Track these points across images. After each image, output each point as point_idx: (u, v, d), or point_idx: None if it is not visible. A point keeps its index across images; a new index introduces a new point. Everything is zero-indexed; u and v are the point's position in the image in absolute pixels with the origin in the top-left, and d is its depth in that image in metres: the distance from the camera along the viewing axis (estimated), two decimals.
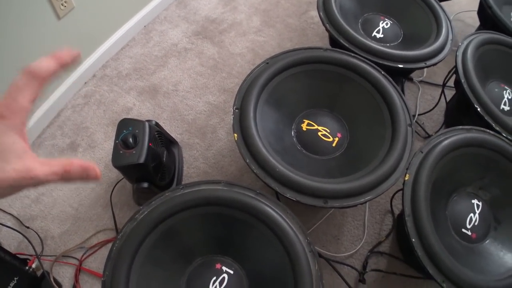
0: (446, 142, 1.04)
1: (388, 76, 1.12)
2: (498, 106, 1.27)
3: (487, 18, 1.48)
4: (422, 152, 1.03)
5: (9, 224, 1.19)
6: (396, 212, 1.26)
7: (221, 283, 0.91)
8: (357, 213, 1.26)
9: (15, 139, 0.35)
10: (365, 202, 0.96)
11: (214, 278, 0.92)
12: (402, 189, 0.98)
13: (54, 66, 0.38)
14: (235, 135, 1.00)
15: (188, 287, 0.92)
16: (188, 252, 0.94)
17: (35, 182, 0.34)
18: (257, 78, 1.08)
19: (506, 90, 1.32)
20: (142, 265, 0.86)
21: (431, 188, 1.00)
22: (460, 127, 1.11)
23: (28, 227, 1.19)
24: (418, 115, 1.46)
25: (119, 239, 0.87)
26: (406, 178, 0.99)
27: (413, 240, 0.92)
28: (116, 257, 0.85)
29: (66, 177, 0.35)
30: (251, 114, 1.02)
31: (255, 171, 0.96)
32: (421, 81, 1.56)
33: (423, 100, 1.51)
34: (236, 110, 1.04)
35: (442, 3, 1.60)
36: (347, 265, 1.16)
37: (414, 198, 0.96)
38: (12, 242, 1.17)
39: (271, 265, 0.90)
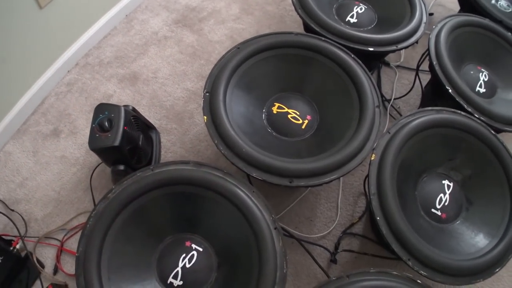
0: (414, 123, 1.07)
1: (357, 59, 1.14)
2: (474, 88, 1.29)
3: (466, 2, 1.50)
4: (389, 133, 1.06)
5: None
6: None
7: (190, 260, 0.95)
8: (330, 195, 1.29)
9: None
10: (330, 181, 0.98)
11: (184, 255, 0.95)
12: (369, 168, 1.00)
13: None
14: (205, 117, 1.03)
15: (159, 263, 0.95)
16: (159, 230, 0.97)
17: None
18: (228, 62, 1.11)
19: (482, 72, 1.33)
20: (114, 241, 0.89)
21: (398, 168, 1.03)
22: (430, 108, 1.13)
23: (13, 210, 1.23)
24: (394, 99, 1.48)
25: (92, 217, 0.91)
26: (372, 158, 1.01)
27: (378, 218, 0.95)
28: (89, 234, 0.88)
29: None
30: (221, 97, 1.04)
31: (223, 151, 0.99)
32: (398, 66, 1.58)
33: (400, 85, 1.54)
34: (207, 94, 1.07)
35: None
36: (319, 245, 1.19)
37: (379, 177, 0.98)
38: None
39: (238, 242, 0.93)
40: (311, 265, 1.17)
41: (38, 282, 1.13)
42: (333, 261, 1.17)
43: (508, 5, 1.55)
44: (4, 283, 1.10)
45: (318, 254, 1.19)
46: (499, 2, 1.54)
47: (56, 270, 1.15)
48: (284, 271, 0.86)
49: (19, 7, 1.22)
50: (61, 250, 1.18)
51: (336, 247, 1.19)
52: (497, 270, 0.95)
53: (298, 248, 1.19)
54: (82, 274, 0.84)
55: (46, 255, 1.18)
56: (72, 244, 1.19)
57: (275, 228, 0.91)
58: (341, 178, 1.31)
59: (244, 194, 0.92)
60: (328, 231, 1.23)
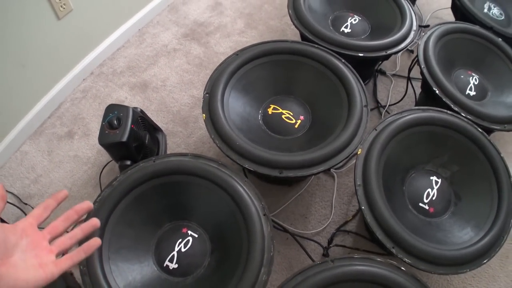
0: (400, 120, 1.13)
1: (347, 64, 1.22)
2: (464, 91, 1.34)
3: (459, 11, 1.57)
4: (376, 130, 1.12)
5: (9, 201, 1.32)
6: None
7: (185, 245, 1.01)
8: (325, 195, 1.34)
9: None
10: (318, 173, 1.05)
11: (180, 240, 1.02)
12: (355, 162, 1.06)
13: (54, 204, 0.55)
14: (204, 115, 1.12)
15: (156, 247, 1.02)
16: (157, 216, 1.04)
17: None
18: (227, 67, 1.20)
19: (472, 76, 1.39)
20: (115, 225, 0.97)
21: (384, 163, 1.09)
22: (417, 107, 1.19)
23: (26, 204, 1.32)
24: (389, 105, 1.54)
25: (97, 202, 0.99)
26: (358, 152, 1.07)
27: (363, 207, 1.00)
28: (93, 216, 0.96)
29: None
30: (219, 97, 1.13)
31: (218, 145, 1.07)
32: (394, 75, 1.65)
33: (396, 92, 1.60)
34: (207, 95, 1.16)
35: (422, 1, 1.71)
36: (313, 240, 1.24)
37: (365, 170, 1.04)
38: (11, 217, 1.29)
39: (231, 229, 0.99)
40: (305, 260, 1.22)
41: None
42: (326, 255, 1.21)
43: (500, 13, 1.63)
44: None
45: (312, 250, 1.24)
46: (491, 11, 1.61)
47: None
48: (271, 254, 0.92)
49: (38, 18, 1.34)
50: None
51: (329, 242, 1.24)
52: (485, 261, 0.97)
53: (292, 244, 1.24)
54: None
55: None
56: None
57: (264, 215, 0.97)
58: (335, 178, 1.37)
59: (236, 182, 0.99)
60: (322, 228, 1.28)
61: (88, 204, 0.57)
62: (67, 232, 0.54)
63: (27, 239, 0.50)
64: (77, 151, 1.44)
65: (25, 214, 1.27)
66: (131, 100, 1.55)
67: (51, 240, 0.52)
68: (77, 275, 1.19)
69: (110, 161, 1.38)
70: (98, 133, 1.45)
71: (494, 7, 1.66)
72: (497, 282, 1.24)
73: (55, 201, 0.56)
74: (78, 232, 0.54)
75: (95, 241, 0.54)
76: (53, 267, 0.49)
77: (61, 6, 1.39)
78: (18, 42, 1.30)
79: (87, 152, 1.44)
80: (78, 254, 0.52)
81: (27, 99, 1.45)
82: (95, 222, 0.56)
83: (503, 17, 1.63)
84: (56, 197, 0.56)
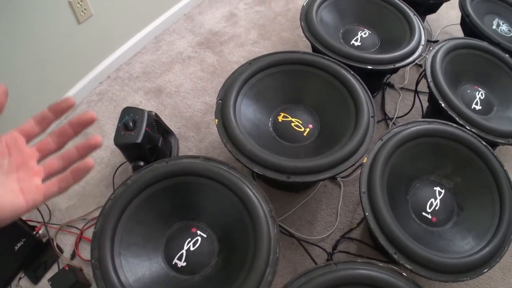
0: (406, 131, 1.16)
1: (356, 75, 1.26)
2: (470, 105, 1.38)
3: (468, 28, 1.61)
4: (382, 140, 1.15)
5: None
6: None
7: (194, 244, 1.05)
8: (331, 202, 1.37)
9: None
10: (324, 179, 1.09)
11: (189, 239, 1.05)
12: (361, 170, 1.10)
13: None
14: (216, 120, 1.16)
15: (166, 246, 1.06)
16: (168, 216, 1.08)
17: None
18: (239, 75, 1.25)
19: (479, 91, 1.43)
20: (127, 222, 1.01)
21: (389, 172, 1.12)
22: (423, 119, 1.23)
23: None
24: (397, 117, 1.58)
25: (111, 200, 1.03)
26: (364, 161, 1.11)
27: (367, 213, 1.03)
28: (106, 213, 1.00)
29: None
30: (231, 104, 1.18)
31: (229, 149, 1.11)
32: (402, 88, 1.69)
33: (403, 105, 1.64)
34: (219, 101, 1.20)
35: (432, 16, 1.75)
36: (318, 246, 1.27)
37: (370, 178, 1.08)
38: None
39: (238, 230, 1.03)
40: (310, 264, 1.24)
41: (55, 266, 1.24)
42: (330, 260, 1.24)
43: (509, 30, 1.67)
44: (24, 263, 1.23)
45: (317, 255, 1.26)
46: (500, 27, 1.65)
47: (73, 256, 1.27)
48: (277, 255, 0.95)
49: (59, 21, 1.39)
50: (80, 238, 1.30)
51: (334, 249, 1.27)
52: (485, 270, 0.99)
53: (297, 249, 1.27)
54: (97, 248, 0.95)
55: (65, 242, 1.30)
56: (90, 233, 1.30)
57: (271, 217, 1.00)
58: (341, 187, 1.40)
59: (245, 185, 1.03)
60: (327, 234, 1.31)
61: (89, 115, 0.44)
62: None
63: (10, 158, 0.41)
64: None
65: (38, 210, 1.31)
66: (146, 104, 1.60)
67: (40, 160, 0.43)
68: (86, 271, 1.24)
69: (124, 162, 1.42)
70: (112, 134, 1.50)
71: (503, 23, 1.70)
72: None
73: (55, 111, 0.43)
74: (73, 151, 0.44)
75: (87, 163, 0.43)
76: (36, 193, 0.41)
77: (82, 11, 1.45)
78: (40, 44, 1.36)
79: (101, 152, 1.49)
80: (66, 179, 0.43)
81: (44, 99, 1.50)
82: (96, 139, 0.44)
83: (511, 34, 1.67)
84: (57, 105, 0.43)
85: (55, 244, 1.27)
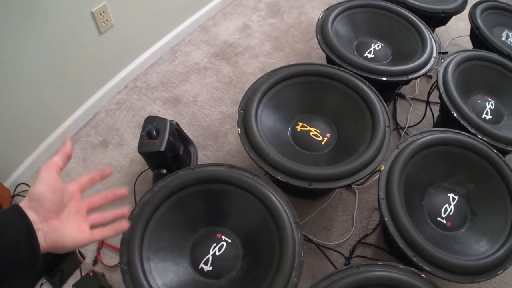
0: (420, 140, 1.21)
1: (371, 86, 1.31)
2: (480, 115, 1.43)
3: (477, 39, 1.67)
4: (398, 148, 1.20)
5: None
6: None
7: (220, 249, 1.09)
8: (347, 209, 1.41)
9: (46, 172, 0.52)
10: (344, 186, 1.13)
11: (214, 244, 1.09)
12: (379, 177, 1.14)
13: (97, 177, 0.62)
14: (239, 129, 1.21)
15: (192, 250, 1.09)
16: (193, 222, 1.12)
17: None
18: (260, 86, 1.30)
19: (489, 101, 1.48)
20: (154, 228, 1.05)
21: (405, 180, 1.16)
22: (436, 129, 1.27)
23: None
24: (408, 127, 1.62)
25: (138, 206, 1.07)
26: (381, 168, 1.15)
27: (386, 218, 1.07)
28: (134, 219, 1.04)
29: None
30: (253, 113, 1.22)
31: (252, 157, 1.15)
32: (413, 98, 1.74)
33: (414, 115, 1.69)
34: (241, 111, 1.25)
35: (441, 28, 1.81)
36: (336, 250, 1.31)
37: (388, 184, 1.12)
38: None
39: (262, 234, 1.07)
40: (328, 269, 1.28)
41: (77, 272, 1.27)
42: (347, 264, 1.28)
43: None
44: (46, 269, 1.26)
45: (334, 260, 1.30)
46: (509, 39, 1.71)
47: (95, 262, 1.30)
48: (301, 259, 0.99)
49: (82, 31, 1.44)
50: (102, 244, 1.33)
51: (351, 253, 1.31)
52: (500, 272, 1.03)
53: (315, 254, 1.31)
54: (126, 253, 0.99)
55: (87, 249, 1.33)
56: (112, 239, 1.34)
57: (294, 222, 1.04)
58: (357, 194, 1.44)
59: (269, 192, 1.07)
60: (344, 240, 1.34)
61: (124, 191, 0.63)
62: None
63: (73, 203, 0.55)
64: (111, 159, 1.53)
65: None
66: (164, 113, 1.65)
67: (87, 212, 0.58)
68: (108, 276, 1.28)
69: (144, 170, 1.46)
70: (131, 143, 1.55)
71: None
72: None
73: (100, 176, 0.61)
74: (110, 215, 0.60)
75: (125, 224, 0.60)
76: (89, 234, 0.55)
77: (104, 22, 1.50)
78: (63, 53, 1.40)
79: (120, 160, 1.53)
80: (110, 231, 0.58)
81: (65, 107, 1.55)
82: (124, 211, 0.61)
83: None
84: (102, 172, 0.61)
85: (77, 250, 1.31)
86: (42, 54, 1.32)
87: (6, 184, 1.40)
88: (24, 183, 1.43)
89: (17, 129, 1.37)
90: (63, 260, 1.29)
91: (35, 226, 0.48)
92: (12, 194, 1.40)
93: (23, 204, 0.49)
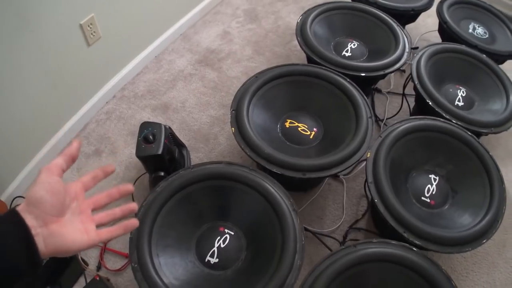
0: (401, 128, 1.31)
1: (352, 82, 1.41)
2: (453, 102, 1.54)
3: (446, 33, 1.80)
4: (381, 137, 1.30)
5: None
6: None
7: (224, 242, 1.15)
8: (336, 198, 1.50)
9: (46, 175, 0.50)
10: (336, 174, 1.22)
11: (218, 237, 1.15)
12: (365, 163, 1.23)
13: (101, 176, 0.60)
14: (232, 128, 1.28)
15: (198, 245, 1.15)
16: (197, 218, 1.17)
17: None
18: (249, 87, 1.37)
19: (460, 89, 1.60)
20: (161, 226, 1.10)
21: (390, 165, 1.26)
22: (414, 117, 1.38)
23: None
24: (387, 119, 1.74)
25: (143, 206, 1.12)
26: (368, 155, 1.25)
27: (376, 200, 1.16)
28: (141, 219, 1.09)
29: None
30: (245, 113, 1.29)
31: (248, 153, 1.22)
32: (389, 92, 1.86)
33: (391, 107, 1.80)
34: (233, 111, 1.32)
35: (410, 25, 1.94)
36: (330, 236, 1.39)
37: (375, 169, 1.21)
38: None
39: (263, 224, 1.13)
40: (324, 254, 1.34)
41: (81, 279, 1.30)
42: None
43: (485, 32, 1.87)
44: (51, 278, 1.27)
45: (330, 246, 1.38)
46: (476, 31, 1.85)
47: (99, 267, 1.33)
48: (303, 243, 1.07)
49: (72, 43, 1.48)
50: (104, 249, 1.36)
51: (344, 238, 1.39)
52: (484, 241, 1.12)
53: (311, 242, 1.39)
54: (135, 252, 1.03)
55: (90, 255, 1.36)
56: (114, 244, 1.37)
57: (293, 210, 1.12)
58: (344, 183, 1.53)
59: (267, 184, 1.15)
60: (337, 226, 1.43)
61: (130, 187, 0.59)
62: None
63: (76, 203, 0.53)
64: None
65: None
66: (154, 120, 1.70)
67: (92, 211, 0.56)
68: (113, 280, 1.31)
69: (140, 175, 1.51)
70: (125, 150, 1.60)
71: (479, 27, 1.90)
72: (497, 268, 1.40)
73: (103, 173, 0.59)
74: (118, 211, 0.57)
75: (134, 222, 0.57)
76: (95, 235, 0.52)
77: (92, 34, 1.54)
78: (54, 65, 1.44)
79: (115, 168, 1.56)
80: (118, 230, 0.55)
81: (56, 119, 1.58)
82: (133, 206, 0.58)
83: (487, 36, 1.87)
84: (104, 169, 0.59)
85: (79, 257, 1.33)
86: (33, 68, 1.35)
87: (2, 197, 1.41)
88: (21, 196, 1.44)
89: (10, 143, 1.39)
90: (66, 268, 1.30)
91: (33, 231, 0.46)
92: (9, 208, 1.41)
93: (21, 208, 0.47)
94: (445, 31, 1.79)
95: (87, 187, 0.57)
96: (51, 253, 0.47)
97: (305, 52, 1.53)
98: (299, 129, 1.39)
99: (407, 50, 1.58)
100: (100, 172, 0.59)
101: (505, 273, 1.39)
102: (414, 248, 1.07)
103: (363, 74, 1.46)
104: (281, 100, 1.43)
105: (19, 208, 0.47)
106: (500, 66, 1.66)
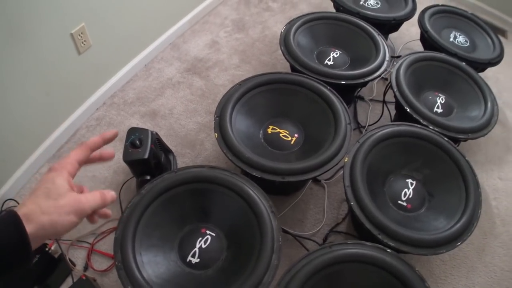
0: (378, 133, 1.37)
1: (332, 90, 1.46)
2: (432, 109, 1.60)
3: (427, 42, 1.86)
4: (359, 142, 1.35)
5: None
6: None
7: (205, 242, 1.19)
8: (318, 202, 1.55)
9: (63, 182, 0.49)
10: (314, 177, 1.26)
11: (200, 238, 1.19)
12: (343, 168, 1.28)
13: (98, 139, 0.57)
14: (216, 134, 1.32)
15: (180, 245, 1.19)
16: (180, 219, 1.21)
17: (84, 210, 0.49)
18: (232, 95, 1.42)
19: (439, 96, 1.66)
20: (145, 227, 1.14)
21: (367, 169, 1.31)
22: (392, 123, 1.43)
23: None
24: (369, 125, 1.79)
25: (128, 208, 1.16)
26: (345, 160, 1.29)
27: (352, 203, 1.21)
28: (125, 220, 1.13)
29: (103, 202, 0.53)
30: (228, 119, 1.34)
31: (230, 158, 1.27)
32: (371, 100, 1.91)
33: (373, 114, 1.86)
34: (217, 118, 1.37)
35: (394, 34, 2.00)
36: (310, 239, 1.44)
37: (352, 173, 1.26)
38: None
39: (243, 226, 1.18)
40: None
41: (69, 279, 1.33)
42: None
43: (465, 40, 1.93)
44: (39, 278, 1.31)
45: (309, 248, 1.42)
46: (457, 39, 1.91)
47: (86, 268, 1.36)
48: (280, 243, 1.11)
49: (63, 52, 1.53)
50: (91, 251, 1.40)
51: (324, 241, 1.43)
52: (459, 243, 1.16)
53: (292, 244, 1.43)
54: (119, 251, 1.07)
55: (77, 256, 1.39)
56: (101, 246, 1.41)
57: (271, 211, 1.16)
58: (326, 188, 1.58)
59: (247, 187, 1.19)
60: (317, 229, 1.47)
61: (113, 131, 0.59)
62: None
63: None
64: (94, 172, 1.61)
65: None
66: (142, 126, 1.73)
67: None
68: (99, 281, 1.35)
69: (128, 179, 1.55)
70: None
71: (460, 35, 1.96)
72: (476, 272, 1.44)
73: (105, 140, 0.58)
74: (98, 139, 0.58)
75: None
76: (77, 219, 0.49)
77: (82, 43, 1.59)
78: (45, 73, 1.49)
79: (104, 172, 1.61)
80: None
81: (48, 124, 1.62)
82: (114, 133, 0.59)
83: (468, 44, 1.93)
84: (103, 136, 0.58)
85: (67, 258, 1.37)
86: (25, 75, 1.40)
87: None
88: (12, 199, 1.48)
89: (2, 147, 1.43)
90: (55, 269, 1.34)
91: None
92: (0, 210, 1.45)
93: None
94: (426, 40, 1.85)
95: (80, 164, 0.55)
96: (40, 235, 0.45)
97: (287, 61, 1.59)
98: (280, 135, 1.44)
99: (387, 58, 1.63)
100: (100, 140, 0.58)
101: (485, 277, 1.43)
102: (388, 250, 1.11)
103: (343, 82, 1.51)
104: (264, 107, 1.48)
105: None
106: (483, 73, 1.71)
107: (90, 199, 0.50)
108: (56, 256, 1.36)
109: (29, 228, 0.43)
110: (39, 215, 0.44)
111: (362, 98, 1.91)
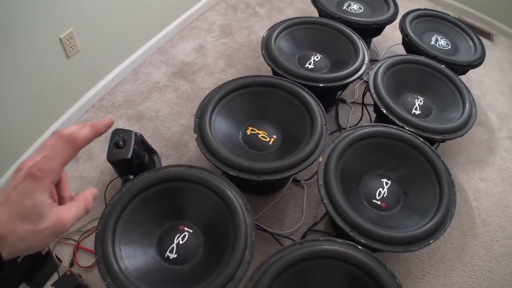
0: (353, 134, 1.41)
1: (310, 92, 1.50)
2: (410, 111, 1.64)
3: (408, 46, 1.91)
4: (334, 143, 1.39)
5: None
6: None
7: (183, 238, 1.23)
8: (297, 202, 1.59)
9: (44, 197, 0.40)
10: (289, 176, 1.31)
11: (178, 235, 1.24)
12: (318, 168, 1.32)
13: (90, 134, 0.43)
14: (195, 135, 1.37)
15: (159, 242, 1.23)
16: (159, 216, 1.26)
17: (65, 229, 0.41)
18: (213, 97, 1.47)
19: (418, 98, 1.70)
20: (125, 223, 1.18)
21: (341, 169, 1.35)
22: (367, 124, 1.47)
23: None
24: (349, 127, 1.83)
25: (109, 205, 1.20)
26: (320, 160, 1.34)
27: (325, 201, 1.25)
28: (106, 216, 1.17)
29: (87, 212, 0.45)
30: (207, 120, 1.39)
31: (208, 157, 1.31)
32: (353, 102, 1.96)
33: (355, 117, 1.90)
34: (197, 119, 1.42)
35: (377, 38, 2.04)
36: (288, 238, 1.48)
37: (325, 172, 1.30)
38: None
39: (219, 222, 1.22)
40: None
41: (55, 275, 1.38)
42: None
43: (447, 44, 1.98)
44: (26, 275, 1.35)
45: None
46: (438, 42, 1.96)
47: (72, 264, 1.41)
48: (253, 239, 1.15)
49: (52, 56, 1.58)
50: (77, 248, 1.44)
51: (302, 239, 1.47)
52: (431, 241, 1.19)
53: (271, 242, 1.47)
54: (100, 246, 1.12)
55: (63, 253, 1.44)
56: (87, 243, 1.46)
57: (246, 209, 1.21)
58: (305, 188, 1.62)
59: (223, 186, 1.23)
60: (296, 228, 1.52)
61: (109, 119, 0.46)
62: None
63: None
64: (82, 172, 1.65)
65: None
66: (129, 128, 1.78)
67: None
68: (84, 277, 1.39)
69: (113, 179, 1.59)
70: (101, 156, 1.68)
71: (441, 39, 2.00)
72: (455, 271, 1.47)
73: (104, 125, 0.45)
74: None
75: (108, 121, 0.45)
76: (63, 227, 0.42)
77: (71, 47, 1.64)
78: (35, 77, 1.54)
79: (91, 173, 1.65)
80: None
81: (37, 128, 1.67)
82: (111, 120, 0.46)
83: (449, 47, 1.97)
84: (96, 129, 0.44)
85: (54, 255, 1.42)
86: (15, 79, 1.45)
87: None
88: None
89: None
90: (42, 265, 1.38)
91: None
92: None
93: None
94: (407, 43, 1.90)
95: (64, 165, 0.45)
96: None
97: (268, 64, 1.64)
98: (259, 136, 1.49)
99: (366, 61, 1.68)
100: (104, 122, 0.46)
101: (464, 276, 1.46)
102: (359, 247, 1.15)
103: (321, 85, 1.56)
104: (243, 109, 1.53)
105: None
106: (466, 76, 1.73)
107: (74, 214, 0.43)
108: (43, 253, 1.40)
109: (4, 252, 0.38)
110: (15, 240, 0.39)
111: (344, 101, 1.95)
